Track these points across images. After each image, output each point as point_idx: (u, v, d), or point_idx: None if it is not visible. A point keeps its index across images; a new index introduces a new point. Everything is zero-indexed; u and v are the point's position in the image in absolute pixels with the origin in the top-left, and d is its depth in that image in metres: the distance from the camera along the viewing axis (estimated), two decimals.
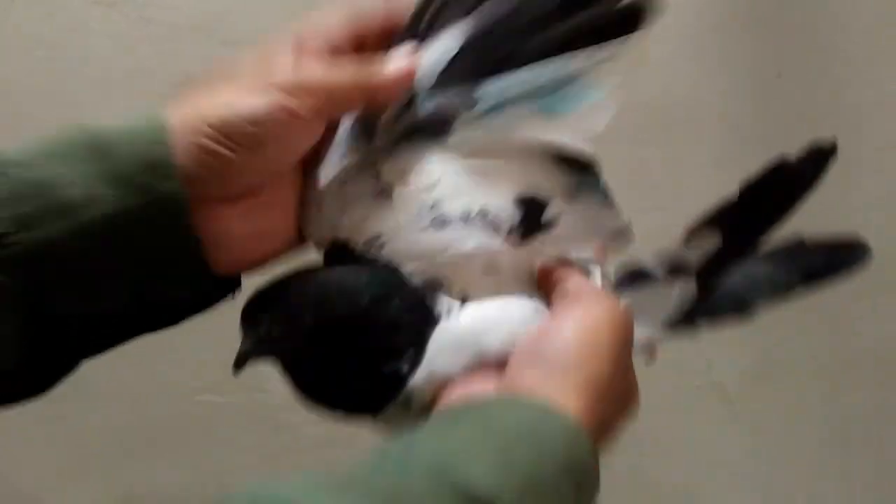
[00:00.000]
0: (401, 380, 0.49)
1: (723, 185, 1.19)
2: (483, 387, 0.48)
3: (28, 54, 1.14)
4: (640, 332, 0.52)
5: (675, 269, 0.56)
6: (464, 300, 0.50)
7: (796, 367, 1.22)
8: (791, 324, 1.23)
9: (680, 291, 0.56)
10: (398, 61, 0.49)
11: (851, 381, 1.23)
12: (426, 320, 0.49)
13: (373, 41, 0.51)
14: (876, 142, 1.22)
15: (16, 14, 1.14)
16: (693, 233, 0.57)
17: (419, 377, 0.49)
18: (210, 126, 0.47)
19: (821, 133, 1.21)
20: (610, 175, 0.53)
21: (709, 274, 0.56)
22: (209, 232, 0.48)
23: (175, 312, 0.51)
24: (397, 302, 0.49)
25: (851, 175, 1.22)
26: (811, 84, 1.20)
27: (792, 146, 1.21)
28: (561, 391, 0.46)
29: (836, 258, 0.60)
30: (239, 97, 0.47)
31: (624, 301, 0.53)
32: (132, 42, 1.14)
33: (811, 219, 1.19)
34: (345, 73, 0.49)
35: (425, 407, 0.49)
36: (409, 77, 0.49)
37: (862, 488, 1.25)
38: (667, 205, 1.18)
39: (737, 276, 0.57)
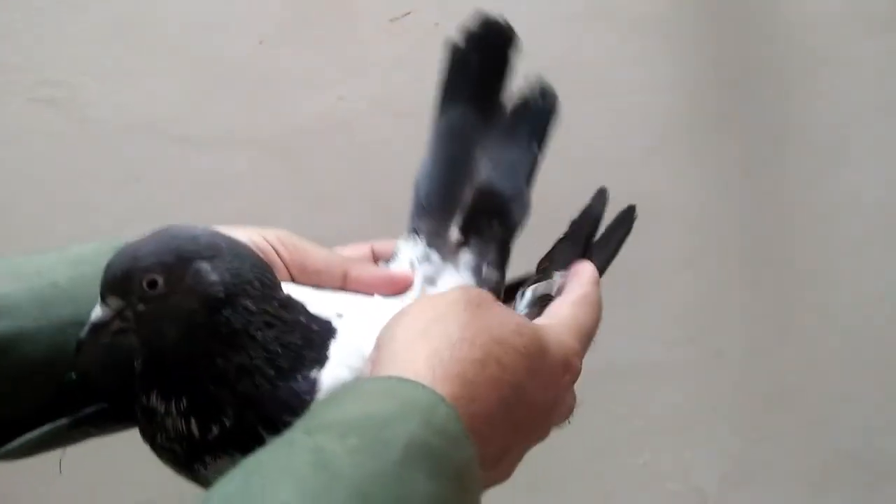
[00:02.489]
0: (312, 389, 0.48)
1: (687, 280, 1.19)
2: None
3: None
4: None
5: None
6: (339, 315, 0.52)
7: (775, 471, 1.19)
8: (770, 426, 1.19)
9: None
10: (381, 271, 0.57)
11: (831, 485, 1.20)
12: (329, 333, 0.50)
13: None
14: (844, 239, 1.21)
15: None
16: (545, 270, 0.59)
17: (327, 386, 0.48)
18: None
19: (786, 232, 1.22)
20: None
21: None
22: None
23: None
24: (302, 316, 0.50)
25: (826, 271, 1.20)
26: (777, 183, 1.19)
27: (755, 244, 1.22)
28: (401, 350, 0.43)
29: (539, 108, 0.62)
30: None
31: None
32: (73, 141, 1.08)
33: (788, 309, 1.17)
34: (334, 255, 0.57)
35: None
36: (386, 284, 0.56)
37: None
38: (633, 300, 1.16)
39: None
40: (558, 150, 0.63)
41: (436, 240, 0.58)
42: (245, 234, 0.53)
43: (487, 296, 0.48)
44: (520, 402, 0.44)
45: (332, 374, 0.48)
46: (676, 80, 1.17)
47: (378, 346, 0.45)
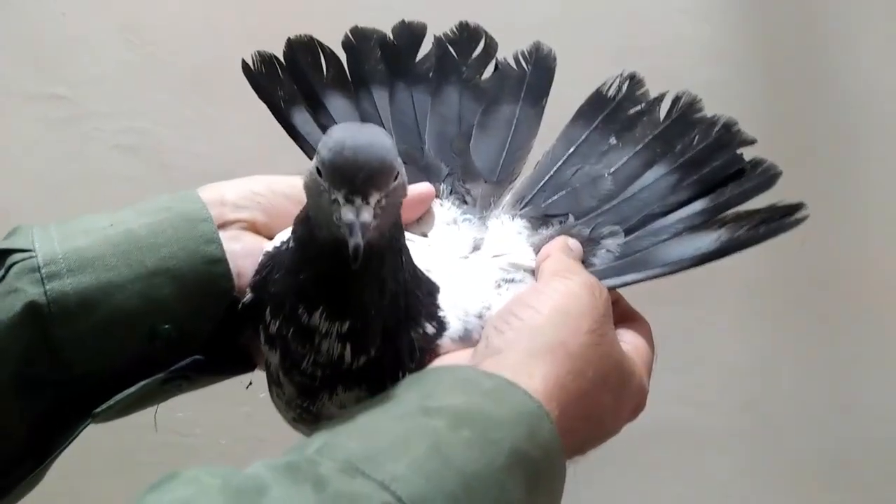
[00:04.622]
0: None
1: (741, 347, 1.17)
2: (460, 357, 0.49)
3: (49, 196, 1.13)
4: None
5: None
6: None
7: None
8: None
9: None
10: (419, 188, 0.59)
11: None
12: (433, 286, 0.52)
13: None
14: None
15: (37, 157, 1.13)
16: None
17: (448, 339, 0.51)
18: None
19: (844, 303, 1.20)
20: None
21: None
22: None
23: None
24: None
25: (885, 344, 1.18)
26: (834, 253, 1.18)
27: (812, 315, 1.20)
28: (525, 358, 0.45)
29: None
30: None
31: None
32: (151, 186, 1.12)
33: (845, 381, 1.15)
34: None
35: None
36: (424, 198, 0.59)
37: None
38: (686, 364, 1.15)
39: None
40: None
41: (484, 200, 0.61)
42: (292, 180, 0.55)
43: (607, 310, 0.50)
44: (593, 434, 0.49)
45: (451, 332, 0.51)
46: None
47: (497, 334, 0.47)
